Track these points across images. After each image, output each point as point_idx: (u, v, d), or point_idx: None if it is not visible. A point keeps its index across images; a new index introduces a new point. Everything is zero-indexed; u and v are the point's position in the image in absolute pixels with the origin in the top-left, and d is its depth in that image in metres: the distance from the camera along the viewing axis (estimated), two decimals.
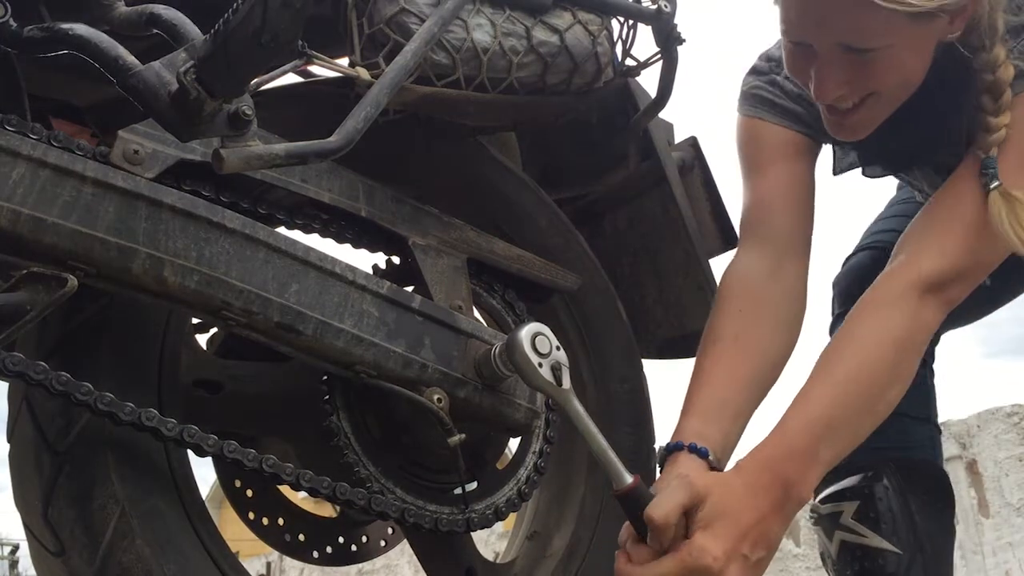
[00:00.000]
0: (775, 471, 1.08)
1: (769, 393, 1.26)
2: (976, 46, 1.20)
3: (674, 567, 1.01)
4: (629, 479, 1.03)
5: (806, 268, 1.34)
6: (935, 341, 1.58)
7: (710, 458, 1.12)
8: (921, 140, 1.31)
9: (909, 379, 1.18)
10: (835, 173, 1.49)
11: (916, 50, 1.18)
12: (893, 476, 1.47)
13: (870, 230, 1.69)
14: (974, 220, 1.19)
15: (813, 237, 1.36)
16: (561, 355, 1.06)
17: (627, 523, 1.06)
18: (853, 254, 1.69)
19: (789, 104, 1.38)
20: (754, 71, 1.44)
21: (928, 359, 1.57)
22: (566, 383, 1.06)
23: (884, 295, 1.19)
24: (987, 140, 1.21)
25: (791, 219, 1.34)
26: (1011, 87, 1.20)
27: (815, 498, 1.53)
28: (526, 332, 1.06)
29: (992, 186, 1.19)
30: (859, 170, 1.50)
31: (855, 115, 1.22)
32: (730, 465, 1.14)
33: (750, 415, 1.22)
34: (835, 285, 1.69)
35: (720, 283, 1.33)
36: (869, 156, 1.45)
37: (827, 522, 1.50)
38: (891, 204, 1.71)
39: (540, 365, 1.05)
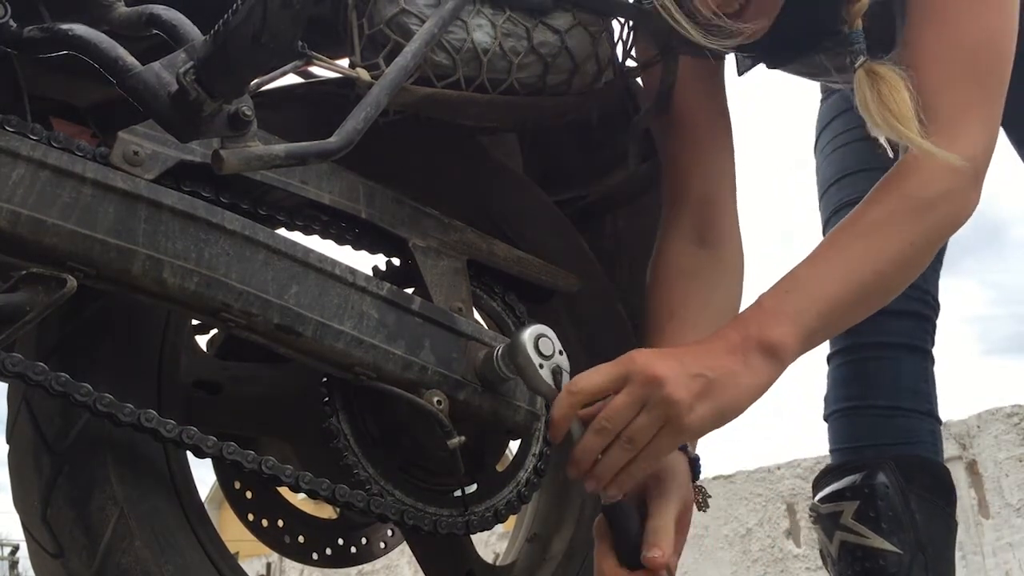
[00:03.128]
0: (736, 326, 1.02)
1: None
2: None
3: (601, 373, 0.98)
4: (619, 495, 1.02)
5: (736, 226, 1.28)
6: (934, 328, 1.57)
7: (687, 449, 1.10)
8: (796, 28, 1.23)
9: (912, 277, 1.11)
10: (740, 73, 1.44)
11: None
12: (893, 474, 1.47)
13: (826, 201, 1.63)
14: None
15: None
16: (563, 360, 1.06)
17: (600, 547, 1.06)
18: (825, 224, 1.64)
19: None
20: None
21: (929, 348, 1.56)
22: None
23: (889, 194, 1.09)
24: (852, 10, 1.14)
25: (710, 182, 1.29)
26: None
27: (815, 497, 1.53)
28: (530, 333, 1.06)
29: (857, 64, 1.11)
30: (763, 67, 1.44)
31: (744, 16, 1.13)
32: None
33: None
34: None
35: (653, 258, 1.29)
36: (762, 52, 1.38)
37: (827, 522, 1.49)
38: (828, 154, 1.64)
39: (541, 366, 1.05)
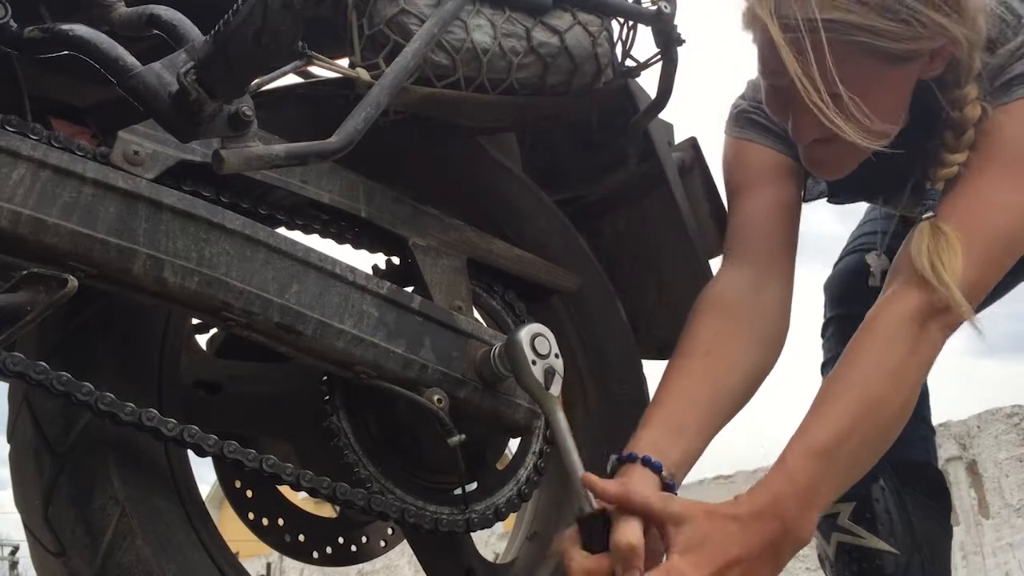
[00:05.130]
0: (775, 509, 1.02)
1: (740, 411, 1.22)
2: (950, 83, 1.20)
3: None
4: (595, 504, 1.01)
5: (789, 288, 1.32)
6: None
7: (663, 473, 1.06)
8: (885, 174, 1.31)
9: (910, 411, 1.15)
10: (805, 200, 1.48)
11: (893, 91, 1.18)
12: (889, 477, 1.47)
13: (855, 233, 1.70)
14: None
15: (798, 257, 1.34)
16: (558, 362, 1.06)
17: (568, 532, 1.03)
18: (841, 258, 1.69)
19: (776, 127, 1.37)
20: (743, 94, 1.44)
21: None
22: (555, 390, 1.05)
23: (884, 326, 1.15)
24: (939, 173, 1.21)
25: (775, 239, 1.33)
26: (974, 127, 1.19)
27: None
28: (527, 330, 1.06)
29: (924, 216, 1.18)
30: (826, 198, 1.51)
31: (829, 153, 1.22)
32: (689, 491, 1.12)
33: (713, 434, 1.18)
34: (826, 289, 1.70)
35: (699, 297, 1.30)
36: (835, 187, 1.46)
37: (824, 524, 1.50)
38: (872, 207, 1.71)
39: (534, 363, 1.05)
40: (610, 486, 1.01)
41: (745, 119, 1.41)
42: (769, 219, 1.34)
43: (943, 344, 1.17)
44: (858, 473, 1.12)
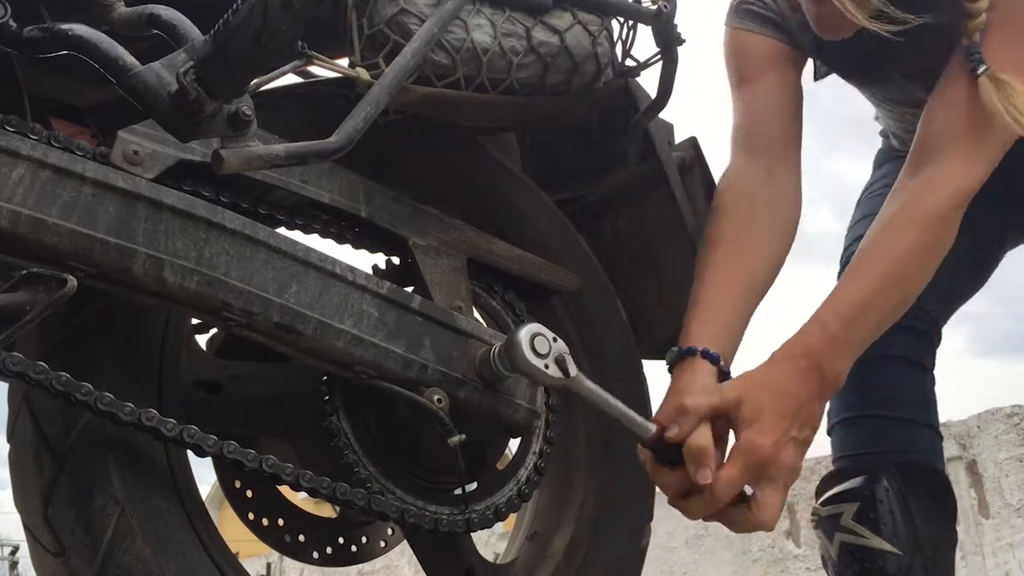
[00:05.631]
0: (812, 359, 1.12)
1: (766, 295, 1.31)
2: None
3: (735, 472, 1.06)
4: (653, 428, 1.09)
5: (798, 174, 1.38)
6: (934, 351, 1.58)
7: (720, 363, 1.16)
8: (883, 44, 1.31)
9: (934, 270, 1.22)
10: (816, 79, 1.53)
11: None
12: (893, 478, 1.47)
13: (852, 232, 1.69)
14: (980, 119, 1.20)
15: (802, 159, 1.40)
16: (560, 345, 1.08)
17: (645, 456, 1.13)
18: (843, 266, 1.68)
19: (774, 16, 1.42)
20: None
21: (929, 366, 1.57)
22: (573, 370, 1.07)
23: (915, 214, 1.21)
24: (969, 26, 1.22)
25: (781, 126, 1.38)
26: None
27: (816, 500, 1.53)
28: (524, 339, 1.06)
29: (980, 71, 1.20)
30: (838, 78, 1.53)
31: (830, 8, 1.22)
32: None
33: (750, 317, 1.27)
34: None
35: (716, 192, 1.37)
36: (836, 63, 1.49)
37: (827, 524, 1.49)
38: (866, 197, 1.71)
39: (547, 366, 1.06)
40: (679, 431, 1.09)
41: (744, 10, 1.45)
42: (772, 107, 1.39)
43: (958, 217, 1.22)
44: (888, 323, 1.22)
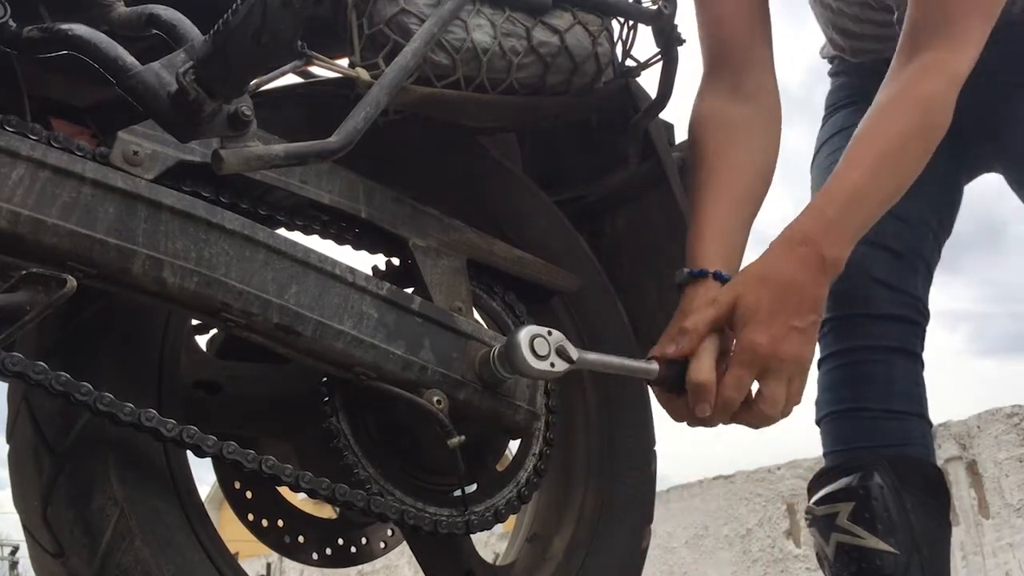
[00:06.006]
0: (810, 245, 1.12)
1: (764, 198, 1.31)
2: None
3: (736, 376, 1.08)
4: (656, 367, 1.11)
5: (772, 80, 1.36)
6: (923, 335, 1.57)
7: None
8: None
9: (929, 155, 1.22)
10: None
11: None
12: (887, 475, 1.46)
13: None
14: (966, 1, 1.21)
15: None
16: (556, 336, 1.08)
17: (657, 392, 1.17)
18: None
19: None
20: None
21: (921, 353, 1.56)
22: (575, 354, 1.08)
23: (912, 97, 1.21)
24: None
25: (748, 35, 1.36)
26: None
27: (810, 500, 1.53)
28: (524, 345, 1.06)
29: None
30: None
31: None
32: None
33: (750, 226, 1.27)
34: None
35: (692, 115, 1.35)
36: None
37: (822, 523, 1.49)
38: (823, 166, 1.68)
39: (552, 364, 1.06)
40: (682, 348, 1.11)
41: None
42: (738, 15, 1.36)
43: (953, 98, 1.22)
44: (886, 206, 1.21)
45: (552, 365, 1.06)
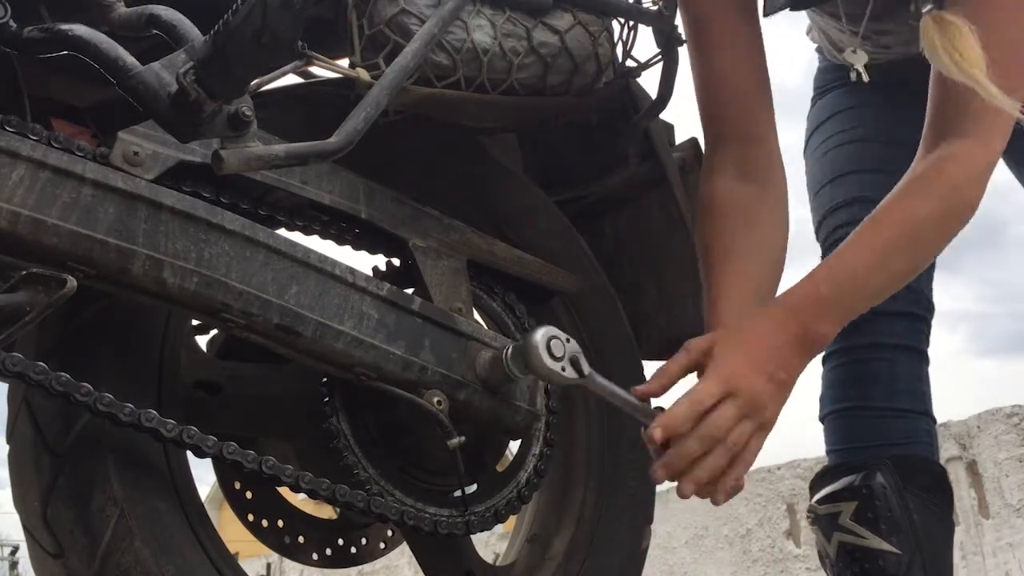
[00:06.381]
0: (798, 315, 1.11)
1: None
2: None
3: (706, 385, 1.06)
4: (653, 409, 1.11)
5: (778, 150, 1.32)
6: (928, 329, 1.57)
7: None
8: None
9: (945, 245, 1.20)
10: (766, 15, 1.39)
11: None
12: (890, 474, 1.46)
13: (820, 196, 1.63)
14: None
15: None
16: (573, 346, 1.08)
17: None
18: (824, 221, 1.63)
19: None
20: None
21: (924, 349, 1.56)
22: (586, 368, 1.08)
23: (933, 183, 1.17)
24: None
25: (752, 95, 1.30)
26: None
27: (812, 498, 1.53)
28: (541, 342, 1.06)
29: (925, 10, 1.16)
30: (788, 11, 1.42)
31: None
32: None
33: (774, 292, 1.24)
34: None
35: (701, 197, 1.31)
36: None
37: (825, 523, 1.49)
38: (816, 155, 1.66)
39: (563, 369, 1.06)
40: (652, 387, 1.11)
41: None
42: (739, 75, 1.29)
43: (980, 191, 1.18)
44: (885, 296, 1.20)
45: (563, 369, 1.07)
